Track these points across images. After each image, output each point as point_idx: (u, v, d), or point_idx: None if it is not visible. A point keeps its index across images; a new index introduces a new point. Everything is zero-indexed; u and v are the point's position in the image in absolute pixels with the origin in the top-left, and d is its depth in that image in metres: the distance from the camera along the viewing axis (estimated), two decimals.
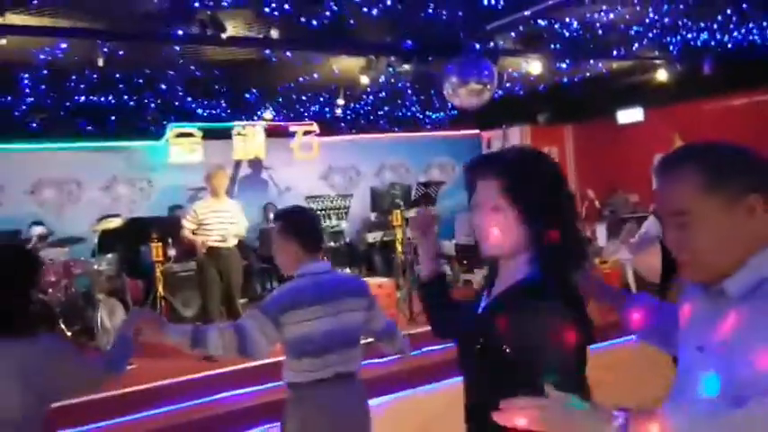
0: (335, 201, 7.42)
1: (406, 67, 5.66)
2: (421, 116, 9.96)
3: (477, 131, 11.99)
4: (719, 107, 9.38)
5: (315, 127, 9.63)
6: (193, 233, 6.34)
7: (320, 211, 7.22)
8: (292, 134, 9.62)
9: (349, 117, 9.19)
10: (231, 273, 6.25)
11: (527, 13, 4.78)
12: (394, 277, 7.83)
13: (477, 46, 5.39)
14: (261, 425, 5.19)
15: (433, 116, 9.95)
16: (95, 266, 7.76)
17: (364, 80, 6.14)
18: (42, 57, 5.10)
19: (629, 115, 10.64)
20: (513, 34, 5.68)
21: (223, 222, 6.26)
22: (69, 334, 7.07)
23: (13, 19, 4.20)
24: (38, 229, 7.00)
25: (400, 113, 9.50)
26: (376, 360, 6.28)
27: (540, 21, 5.36)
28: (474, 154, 11.90)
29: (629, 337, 7.08)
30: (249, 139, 9.33)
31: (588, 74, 8.26)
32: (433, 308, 2.06)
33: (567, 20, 5.44)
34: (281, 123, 9.41)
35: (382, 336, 2.93)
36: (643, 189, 10.91)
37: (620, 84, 9.04)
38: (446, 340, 2.20)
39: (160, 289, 7.86)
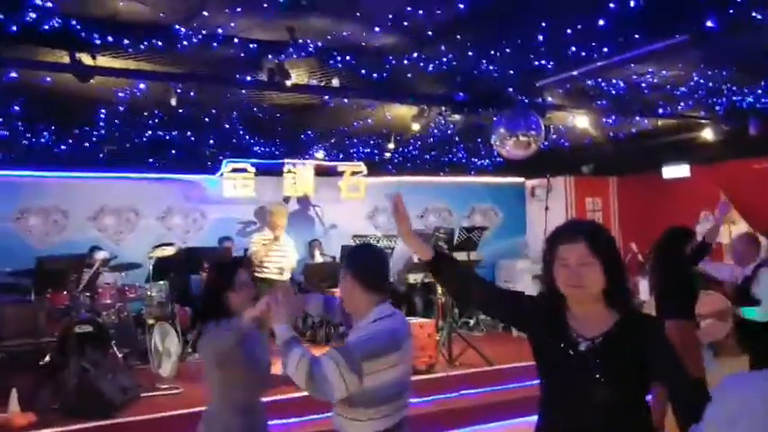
0: (381, 241, 7.65)
1: (456, 116, 5.93)
2: (466, 162, 10.20)
3: (521, 179, 12.16)
4: (764, 166, 9.38)
5: (363, 168, 9.96)
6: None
7: None
8: (340, 174, 9.97)
9: (396, 160, 9.49)
10: None
11: (575, 73, 5.01)
12: (433, 319, 7.96)
13: (526, 100, 5.63)
14: None
15: (479, 163, 10.17)
16: (148, 292, 8.14)
17: (415, 127, 6.44)
18: (122, 95, 5.54)
19: (675, 171, 10.67)
20: (560, 90, 5.91)
21: (282, 256, 6.56)
22: (121, 356, 7.41)
23: (101, 61, 4.63)
24: (102, 254, 7.40)
25: (446, 159, 9.76)
26: (415, 400, 6.45)
27: (587, 80, 5.58)
28: (518, 201, 12.11)
29: None
30: (299, 176, 9.71)
31: (634, 129, 8.40)
32: (450, 281, 2.48)
33: (614, 81, 5.64)
34: (330, 163, 9.77)
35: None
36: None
37: (665, 140, 9.12)
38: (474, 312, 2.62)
39: None
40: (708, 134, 8.16)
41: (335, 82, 5.23)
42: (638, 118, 7.69)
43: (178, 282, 8.63)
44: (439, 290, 8.34)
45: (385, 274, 2.73)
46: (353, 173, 9.96)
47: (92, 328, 7.09)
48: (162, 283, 8.31)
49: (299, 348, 2.44)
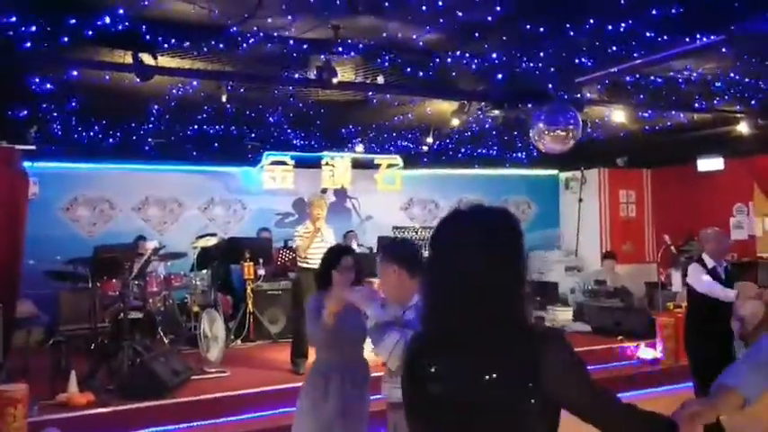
0: (420, 232, 7.85)
1: (496, 111, 6.07)
2: (501, 155, 10.32)
3: (555, 172, 12.22)
4: None
5: (398, 160, 10.13)
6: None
7: None
8: (377, 166, 10.16)
9: (432, 153, 9.65)
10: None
11: (615, 70, 5.12)
12: None
13: (565, 96, 5.75)
14: None
15: (513, 155, 10.29)
16: (192, 281, 8.45)
17: (455, 122, 6.59)
18: (174, 92, 5.80)
19: (709, 164, 10.65)
20: (598, 86, 6.01)
21: (322, 247, 6.75)
22: (167, 341, 7.75)
23: (161, 61, 4.87)
24: (152, 243, 7.71)
25: (481, 152, 9.90)
26: None
27: (626, 76, 5.67)
28: (551, 193, 12.18)
29: None
30: (337, 169, 9.93)
31: (669, 123, 8.43)
32: None
33: (652, 77, 5.73)
34: (367, 156, 9.96)
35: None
36: None
37: (700, 133, 9.13)
38: None
39: (250, 305, 8.48)
40: (743, 128, 8.16)
41: (380, 79, 5.42)
42: (673, 112, 7.74)
43: (220, 271, 8.93)
44: None
45: (421, 261, 2.90)
46: (389, 165, 10.14)
47: (141, 315, 7.46)
48: (205, 272, 8.62)
49: (396, 333, 2.60)
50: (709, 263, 4.93)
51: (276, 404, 5.90)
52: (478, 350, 1.55)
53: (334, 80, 5.10)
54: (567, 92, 5.73)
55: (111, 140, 8.22)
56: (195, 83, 5.59)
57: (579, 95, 6.05)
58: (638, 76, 5.84)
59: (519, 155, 10.38)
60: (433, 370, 1.57)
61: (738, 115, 7.80)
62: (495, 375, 1.51)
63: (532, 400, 1.50)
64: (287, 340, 7.68)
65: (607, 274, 9.96)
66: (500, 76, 5.55)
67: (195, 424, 5.48)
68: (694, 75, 5.70)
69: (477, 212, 1.71)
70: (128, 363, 5.96)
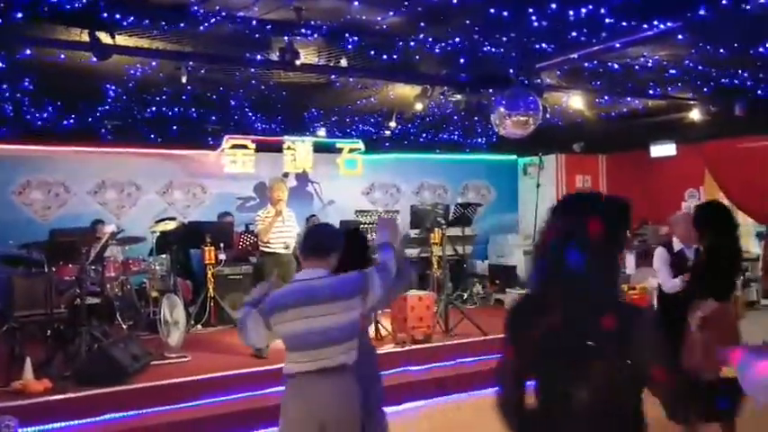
0: (383, 215, 7.89)
1: (458, 96, 6.13)
2: (462, 140, 10.41)
3: (513, 157, 12.40)
4: (749, 146, 9.68)
5: (360, 145, 10.13)
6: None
7: (369, 224, 7.70)
8: (339, 150, 10.14)
9: (394, 137, 9.68)
10: (289, 276, 6.70)
11: (575, 56, 5.22)
12: (431, 292, 8.22)
13: (525, 81, 5.83)
14: None
15: (474, 141, 10.40)
16: (151, 266, 8.32)
17: (418, 106, 6.63)
18: (133, 72, 5.67)
19: (662, 150, 10.95)
20: (557, 72, 6.12)
21: (283, 231, 6.73)
22: (125, 327, 7.64)
23: (119, 40, 4.76)
24: (110, 227, 7.55)
25: (443, 137, 9.97)
26: (414, 368, 6.75)
27: (585, 62, 5.79)
28: (510, 179, 12.34)
29: None
30: (298, 153, 9.86)
31: (625, 109, 8.64)
32: None
33: (610, 63, 5.86)
34: (329, 140, 9.93)
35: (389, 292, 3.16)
36: None
37: (654, 119, 9.39)
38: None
39: (210, 290, 8.39)
40: (695, 114, 8.43)
41: (343, 62, 5.40)
42: (629, 99, 7.94)
43: (179, 256, 8.80)
44: (435, 264, 8.63)
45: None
46: (351, 150, 10.13)
47: (99, 300, 7.33)
48: (164, 256, 8.49)
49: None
50: (677, 246, 5.05)
51: (238, 388, 5.93)
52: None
53: (297, 62, 5.07)
54: (528, 77, 5.81)
55: (66, 122, 7.99)
56: (154, 63, 5.47)
57: (539, 81, 6.15)
58: (596, 62, 5.97)
59: (479, 140, 10.50)
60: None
61: (691, 102, 8.05)
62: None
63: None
64: None
65: None
66: (462, 60, 5.60)
67: (156, 409, 5.44)
68: (650, 62, 5.85)
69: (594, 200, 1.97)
70: (85, 349, 5.86)
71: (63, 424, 5.04)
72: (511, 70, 5.72)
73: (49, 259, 6.14)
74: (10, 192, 8.85)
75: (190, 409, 5.55)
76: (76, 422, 5.09)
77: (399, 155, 11.06)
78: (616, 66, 6.18)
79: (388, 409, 5.94)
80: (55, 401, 5.20)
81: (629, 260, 10.12)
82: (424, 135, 9.83)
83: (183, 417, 5.40)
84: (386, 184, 11.34)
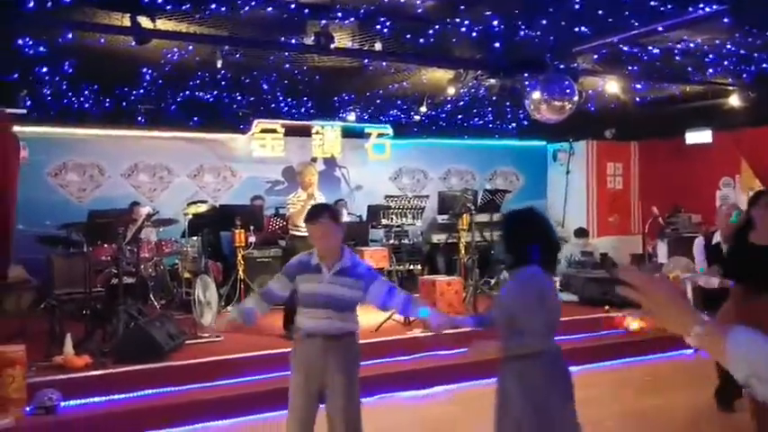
0: (412, 201, 7.89)
1: (492, 81, 6.08)
2: (492, 126, 10.34)
3: (543, 143, 12.27)
4: None
5: (389, 130, 10.12)
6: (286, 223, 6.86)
7: (398, 209, 7.70)
8: (367, 136, 10.15)
9: (422, 123, 9.65)
10: None
11: (614, 39, 5.14)
12: (458, 277, 8.22)
13: (561, 65, 5.76)
14: None
15: (504, 126, 10.32)
16: (183, 247, 8.44)
17: (451, 91, 6.59)
18: (170, 56, 5.73)
19: (698, 137, 10.74)
20: (595, 56, 6.03)
21: None
22: (158, 306, 7.77)
23: (159, 24, 4.81)
24: (146, 209, 7.67)
25: (472, 122, 9.91)
26: (444, 352, 6.77)
27: (623, 46, 5.70)
28: (539, 165, 12.29)
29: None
30: (326, 138, 9.90)
31: (661, 95, 8.50)
32: None
33: (649, 47, 5.76)
34: (357, 125, 9.93)
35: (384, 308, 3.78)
36: (706, 209, 11.00)
37: (690, 105, 9.22)
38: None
39: (240, 272, 8.50)
40: (734, 100, 8.26)
41: (378, 46, 5.39)
42: (666, 84, 7.80)
43: (210, 238, 8.92)
44: (462, 251, 8.62)
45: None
46: (379, 135, 10.13)
47: (133, 280, 7.46)
48: (195, 238, 8.60)
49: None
50: (717, 238, 4.98)
51: (270, 368, 5.97)
52: None
53: (332, 46, 5.07)
54: (564, 61, 5.74)
55: (101, 106, 8.12)
56: (191, 47, 5.52)
57: (575, 65, 6.07)
58: (635, 46, 5.87)
59: (509, 126, 10.41)
60: None
61: (730, 88, 7.88)
62: None
63: None
64: (277, 307, 7.71)
65: (579, 247, 10.15)
66: (498, 44, 5.55)
67: (192, 386, 5.55)
68: (691, 45, 5.73)
69: None
70: (123, 326, 5.98)
71: (103, 398, 5.17)
72: (547, 54, 5.65)
73: (87, 239, 6.27)
74: (46, 173, 9.02)
75: (224, 387, 5.65)
76: (116, 397, 5.21)
77: (427, 140, 11.02)
78: (655, 50, 6.08)
79: (415, 393, 6.08)
80: (95, 377, 5.34)
81: (662, 249, 10.00)
82: (453, 121, 9.78)
83: (217, 394, 5.50)
84: (413, 170, 11.33)
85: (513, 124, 10.10)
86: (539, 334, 2.76)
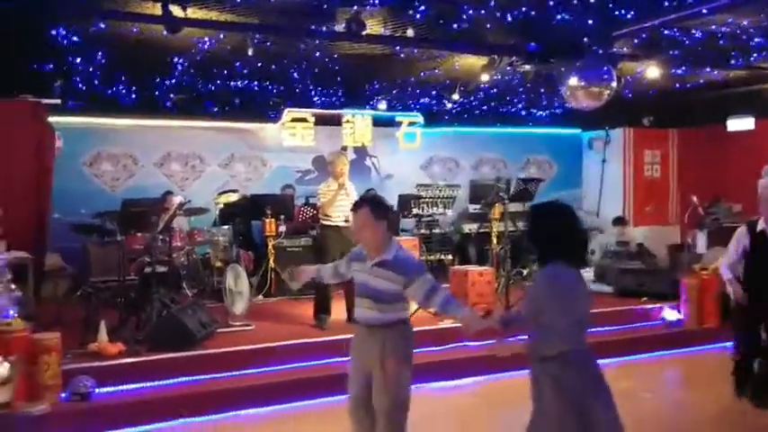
0: (444, 190, 7.78)
1: (527, 67, 5.92)
2: (525, 113, 10.14)
3: (578, 131, 12.01)
4: None
5: (420, 118, 10.01)
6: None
7: (429, 198, 7.60)
8: (398, 124, 10.04)
9: (454, 111, 9.51)
10: (349, 250, 6.70)
11: (656, 22, 4.95)
12: (490, 267, 8.09)
13: (599, 51, 5.58)
14: None
15: (537, 114, 10.11)
16: (215, 237, 8.47)
17: (484, 77, 6.45)
18: (201, 45, 5.71)
19: (739, 123, 10.41)
20: (635, 40, 5.83)
21: (345, 204, 6.71)
22: (191, 295, 7.82)
23: (189, 12, 4.78)
24: (178, 198, 7.71)
25: (504, 110, 9.73)
26: (473, 343, 6.68)
27: (665, 30, 5.49)
28: (574, 153, 12.05)
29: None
30: (357, 127, 9.83)
31: (702, 80, 8.22)
32: None
33: (692, 31, 5.55)
34: (388, 113, 9.84)
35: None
36: (747, 199, 10.64)
37: (732, 92, 8.91)
38: None
39: (271, 262, 8.51)
40: None
41: (410, 32, 5.28)
42: (708, 69, 7.54)
43: (241, 227, 8.93)
44: (494, 240, 8.49)
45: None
46: (410, 123, 10.02)
47: (166, 269, 7.50)
48: (226, 227, 8.62)
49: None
50: (761, 225, 4.78)
51: (302, 357, 5.98)
52: None
53: (363, 33, 4.98)
54: (603, 46, 5.55)
55: (134, 96, 8.17)
56: (222, 35, 5.49)
57: (614, 50, 5.87)
58: (676, 30, 5.66)
59: (542, 113, 10.21)
60: None
61: None
62: None
63: None
64: (308, 297, 7.75)
65: (618, 238, 9.91)
66: (534, 29, 5.39)
67: (225, 375, 5.55)
68: (735, 28, 5.50)
69: None
70: (156, 315, 6.02)
71: (136, 386, 5.20)
72: (585, 39, 5.48)
73: (121, 228, 6.31)
74: (81, 163, 9.13)
75: (256, 376, 5.64)
76: (149, 384, 5.25)
77: (459, 129, 10.86)
78: (698, 34, 5.85)
79: (444, 384, 6.02)
80: (128, 364, 5.36)
81: (701, 239, 9.71)
82: (485, 108, 9.62)
83: (249, 383, 5.50)
84: (444, 159, 11.18)
85: (547, 112, 9.89)
86: (565, 333, 2.69)
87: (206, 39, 5.59)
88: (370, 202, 3.50)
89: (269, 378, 5.66)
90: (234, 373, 5.59)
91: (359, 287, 3.47)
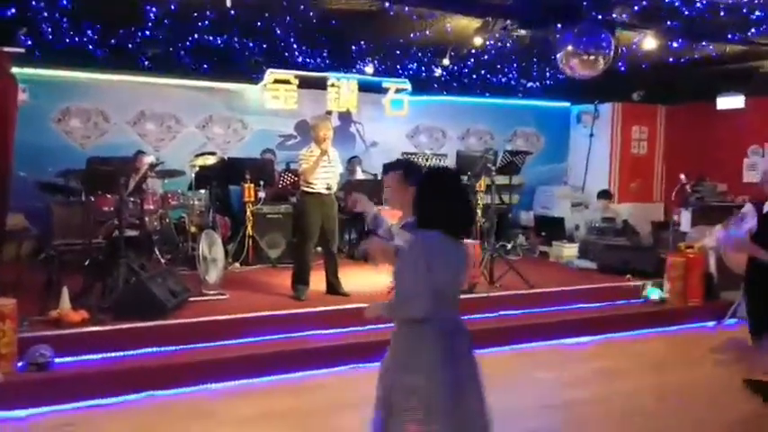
0: (431, 159, 7.50)
1: (522, 31, 5.61)
2: (515, 84, 9.84)
3: (566, 104, 11.77)
4: None
5: (407, 85, 9.67)
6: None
7: None
8: (384, 90, 9.70)
9: (443, 79, 9.17)
10: (331, 218, 6.44)
11: None
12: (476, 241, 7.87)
13: (599, 16, 5.29)
14: (346, 364, 5.48)
15: (528, 85, 9.82)
16: (190, 200, 8.14)
17: (477, 41, 6.12)
18: None
19: (730, 102, 10.25)
20: (636, 8, 5.53)
21: (328, 171, 6.42)
22: (163, 261, 7.51)
23: None
24: (149, 158, 7.34)
25: (495, 79, 9.42)
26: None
27: None
28: (561, 127, 11.86)
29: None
30: (342, 91, 9.48)
31: (697, 55, 7.97)
32: None
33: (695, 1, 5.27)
34: (375, 78, 9.49)
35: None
36: (732, 178, 10.58)
37: (723, 69, 8.71)
38: None
39: (249, 229, 8.21)
40: None
41: None
42: (704, 43, 7.29)
43: (218, 191, 8.60)
44: (479, 213, 8.27)
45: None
46: (398, 90, 9.68)
47: (137, 233, 7.17)
48: (203, 192, 8.29)
49: None
50: (767, 208, 4.57)
51: (277, 329, 5.75)
52: None
53: None
54: (601, 12, 5.26)
55: (105, 48, 7.71)
56: None
57: (612, 17, 5.58)
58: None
59: (533, 84, 9.92)
60: None
61: None
62: None
63: None
64: (286, 265, 7.53)
65: (601, 213, 9.79)
66: None
67: (193, 346, 5.30)
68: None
69: None
70: (124, 281, 5.72)
71: (99, 356, 4.93)
72: (584, 2, 5.17)
73: (86, 188, 5.96)
74: (50, 118, 8.68)
75: (227, 347, 5.40)
76: (114, 354, 4.97)
77: (447, 97, 10.54)
78: (700, 4, 5.58)
79: None
80: (91, 333, 5.08)
81: (685, 217, 9.59)
82: (475, 77, 9.30)
83: (219, 355, 5.26)
84: (431, 128, 10.88)
85: (538, 83, 9.60)
86: (418, 301, 2.52)
87: None
88: (401, 167, 3.36)
89: (242, 350, 5.41)
90: (205, 344, 5.34)
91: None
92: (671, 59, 8.20)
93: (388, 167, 3.41)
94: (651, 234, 10.14)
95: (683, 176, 9.17)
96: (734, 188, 10.55)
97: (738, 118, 10.34)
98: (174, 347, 5.23)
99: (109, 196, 6.57)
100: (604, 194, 10.16)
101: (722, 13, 6.03)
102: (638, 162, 11.60)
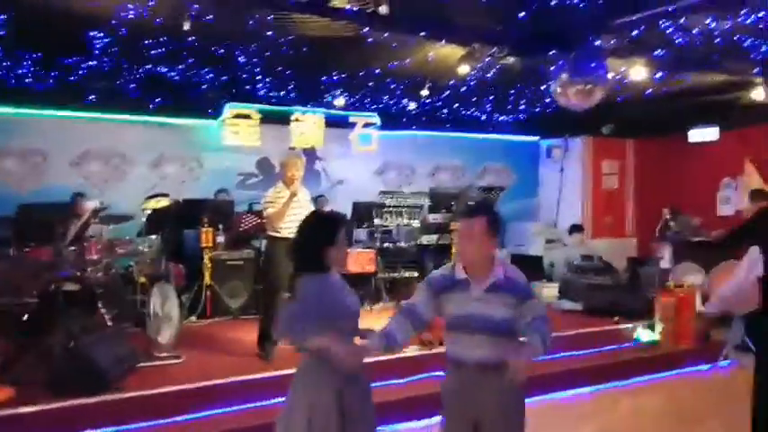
0: (409, 199, 6.92)
1: (510, 59, 5.14)
2: (485, 118, 9.45)
3: (536, 138, 11.50)
4: None
5: (376, 119, 9.19)
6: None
7: (394, 208, 6.73)
8: (351, 125, 9.19)
9: (414, 113, 8.70)
10: None
11: (670, 8, 4.26)
12: None
13: (597, 42, 4.87)
14: None
15: (499, 119, 9.45)
16: (140, 247, 7.35)
17: (462, 70, 5.60)
18: (123, 14, 4.63)
19: (702, 134, 10.14)
20: (634, 32, 5.11)
21: (298, 215, 5.73)
22: (108, 317, 6.66)
23: None
24: (92, 203, 6.56)
25: (467, 113, 9.00)
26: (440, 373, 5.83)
27: (666, 22, 4.82)
28: (531, 161, 11.54)
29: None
30: (307, 126, 8.92)
31: (672, 87, 7.72)
32: None
33: (694, 30, 4.90)
34: (342, 112, 8.98)
35: None
36: (706, 212, 10.40)
37: (697, 101, 8.54)
38: None
39: (207, 277, 7.47)
40: (758, 94, 7.57)
41: (383, 9, 4.35)
42: (688, 73, 7.03)
43: (171, 237, 7.86)
44: (453, 251, 7.76)
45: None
46: (366, 124, 9.17)
47: (77, 287, 6.34)
48: (154, 237, 7.54)
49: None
50: None
51: (241, 399, 4.96)
52: None
53: (329, 4, 4.06)
54: (599, 37, 4.83)
55: (45, 80, 6.97)
56: (151, 1, 4.43)
57: (605, 44, 5.16)
58: (676, 26, 5.00)
59: (504, 118, 9.56)
60: None
61: (758, 80, 7.16)
62: None
63: None
64: (249, 317, 6.84)
65: (577, 249, 9.44)
66: (523, 14, 4.61)
67: (143, 425, 4.51)
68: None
69: None
70: (61, 347, 4.91)
71: None
72: (580, 28, 4.73)
73: (17, 238, 5.16)
74: None
75: (184, 424, 4.62)
76: None
77: (416, 132, 10.11)
78: (696, 30, 5.24)
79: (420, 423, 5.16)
80: (19, 415, 4.27)
81: (666, 252, 9.27)
82: (446, 111, 8.86)
83: None
84: (400, 165, 10.38)
85: (510, 117, 9.23)
86: (308, 331, 2.67)
87: (130, 6, 4.51)
88: (489, 212, 2.90)
89: (200, 427, 4.62)
90: (157, 422, 4.54)
91: (459, 320, 2.83)
92: (648, 92, 7.93)
93: (467, 212, 2.88)
94: (627, 270, 9.83)
95: (665, 211, 8.89)
96: (708, 222, 10.35)
97: (711, 150, 10.22)
98: (119, 427, 4.42)
99: (48, 247, 5.77)
100: (577, 229, 9.86)
101: (717, 40, 5.72)
102: (610, 196, 11.38)
